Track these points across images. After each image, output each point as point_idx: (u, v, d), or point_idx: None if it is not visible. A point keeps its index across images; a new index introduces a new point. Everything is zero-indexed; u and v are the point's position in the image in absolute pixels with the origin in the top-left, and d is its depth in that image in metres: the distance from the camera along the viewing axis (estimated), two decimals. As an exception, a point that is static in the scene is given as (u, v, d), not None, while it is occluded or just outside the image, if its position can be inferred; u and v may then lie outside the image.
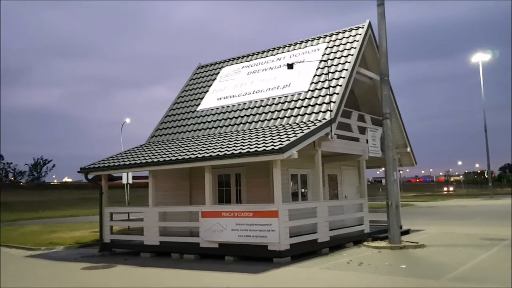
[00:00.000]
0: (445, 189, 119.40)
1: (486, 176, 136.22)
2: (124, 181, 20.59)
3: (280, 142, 11.74)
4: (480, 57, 54.03)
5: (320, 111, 14.06)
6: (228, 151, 12.37)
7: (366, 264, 10.98)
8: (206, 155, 12.60)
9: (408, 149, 18.77)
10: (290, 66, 13.69)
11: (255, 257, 12.22)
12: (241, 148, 12.28)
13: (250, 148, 11.97)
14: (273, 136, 12.84)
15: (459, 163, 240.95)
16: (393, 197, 14.40)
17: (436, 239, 15.20)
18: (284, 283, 9.14)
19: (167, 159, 13.45)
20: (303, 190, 15.61)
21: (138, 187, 30.79)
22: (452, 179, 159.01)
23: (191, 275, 10.65)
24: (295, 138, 11.87)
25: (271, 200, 14.19)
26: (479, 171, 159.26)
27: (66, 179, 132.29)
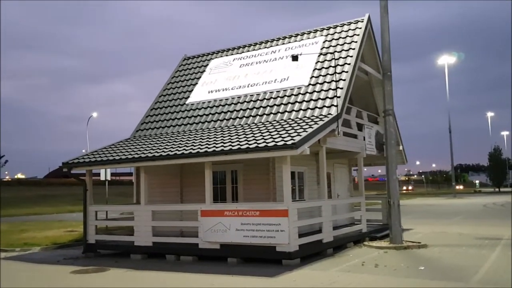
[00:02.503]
0: (405, 188, 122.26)
1: (439, 176, 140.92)
2: (102, 177, 19.35)
3: (290, 137, 11.07)
4: (446, 60, 55.26)
5: (324, 106, 13.49)
6: (233, 145, 11.60)
7: (382, 266, 10.50)
8: (209, 150, 11.79)
9: (400, 147, 18.55)
10: (294, 58, 13.05)
11: (259, 258, 11.53)
12: (247, 143, 11.53)
13: (258, 143, 11.24)
14: (278, 131, 12.16)
15: (417, 163, 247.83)
16: (395, 195, 14.04)
17: (433, 239, 14.95)
18: (310, 288, 8.49)
19: (164, 154, 12.52)
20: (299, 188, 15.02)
21: (111, 184, 29.33)
22: (411, 178, 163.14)
23: (199, 279, 9.83)
24: (306, 133, 11.23)
25: (271, 199, 13.56)
26: (433, 171, 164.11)
27: (20, 176, 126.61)
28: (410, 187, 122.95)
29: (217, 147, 11.84)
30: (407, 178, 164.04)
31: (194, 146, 12.61)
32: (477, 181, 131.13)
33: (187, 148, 12.50)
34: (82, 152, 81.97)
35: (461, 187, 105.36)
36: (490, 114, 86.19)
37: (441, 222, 22.05)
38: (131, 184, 60.93)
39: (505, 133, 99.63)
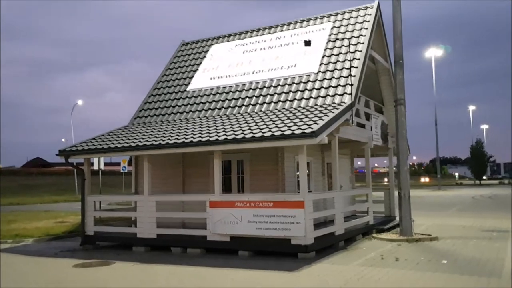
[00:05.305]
0: (386, 179, 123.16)
1: (418, 168, 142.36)
2: (95, 166, 18.62)
3: (307, 126, 10.58)
4: (433, 52, 55.35)
5: (336, 94, 13.04)
6: (245, 134, 11.06)
7: (402, 259, 10.15)
8: (219, 138, 11.22)
9: (405, 138, 18.20)
10: (307, 43, 12.55)
11: (271, 252, 11.08)
12: (260, 132, 11.00)
13: (273, 132, 10.72)
14: (291, 119, 11.66)
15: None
16: (406, 187, 13.73)
17: (439, 231, 14.66)
18: (341, 285, 8.04)
19: (170, 142, 11.90)
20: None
21: (93, 174, 28.30)
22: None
23: (216, 273, 9.29)
24: (323, 122, 10.76)
25: (279, 189, 13.10)
26: (411, 163, 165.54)
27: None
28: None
29: (227, 136, 11.28)
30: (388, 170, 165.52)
31: (202, 134, 12.02)
32: (456, 174, 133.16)
33: (195, 136, 11.90)
34: (62, 141, 79.21)
35: (427, 179, 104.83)
36: (471, 107, 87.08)
37: (438, 214, 21.94)
38: (113, 174, 58.79)
39: (484, 127, 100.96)
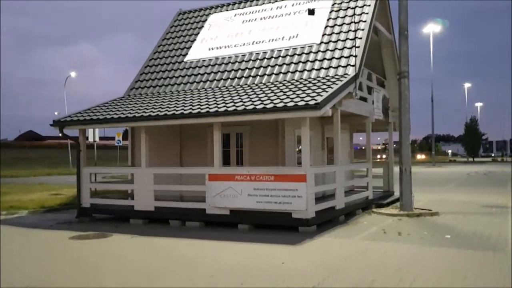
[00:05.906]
0: (378, 156, 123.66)
1: (412, 145, 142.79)
2: (90, 139, 18.28)
3: (311, 98, 10.27)
4: (432, 28, 54.70)
5: (340, 66, 12.69)
6: (246, 105, 10.74)
7: (405, 234, 10.02)
8: (220, 109, 10.90)
9: (405, 113, 17.94)
10: (311, 12, 12.11)
11: (270, 225, 10.90)
12: (261, 103, 10.68)
13: (275, 103, 10.40)
14: (294, 91, 11.33)
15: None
16: (407, 162, 13.55)
17: (439, 207, 14.54)
18: (345, 259, 7.87)
19: (168, 113, 11.56)
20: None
21: (90, 147, 27.94)
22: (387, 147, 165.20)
23: (218, 247, 9.09)
24: (327, 94, 10.44)
25: (279, 163, 12.88)
26: None
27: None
28: (384, 156, 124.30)
29: (228, 107, 10.96)
30: (381, 147, 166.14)
31: (201, 106, 11.69)
32: (449, 151, 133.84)
33: (194, 108, 11.57)
34: (55, 115, 78.68)
35: (424, 156, 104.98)
36: (467, 85, 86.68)
37: (436, 190, 21.87)
38: (107, 147, 58.39)
39: (479, 105, 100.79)
